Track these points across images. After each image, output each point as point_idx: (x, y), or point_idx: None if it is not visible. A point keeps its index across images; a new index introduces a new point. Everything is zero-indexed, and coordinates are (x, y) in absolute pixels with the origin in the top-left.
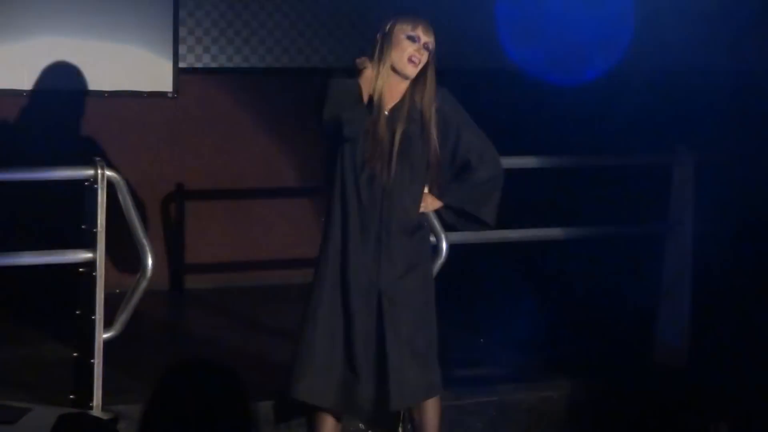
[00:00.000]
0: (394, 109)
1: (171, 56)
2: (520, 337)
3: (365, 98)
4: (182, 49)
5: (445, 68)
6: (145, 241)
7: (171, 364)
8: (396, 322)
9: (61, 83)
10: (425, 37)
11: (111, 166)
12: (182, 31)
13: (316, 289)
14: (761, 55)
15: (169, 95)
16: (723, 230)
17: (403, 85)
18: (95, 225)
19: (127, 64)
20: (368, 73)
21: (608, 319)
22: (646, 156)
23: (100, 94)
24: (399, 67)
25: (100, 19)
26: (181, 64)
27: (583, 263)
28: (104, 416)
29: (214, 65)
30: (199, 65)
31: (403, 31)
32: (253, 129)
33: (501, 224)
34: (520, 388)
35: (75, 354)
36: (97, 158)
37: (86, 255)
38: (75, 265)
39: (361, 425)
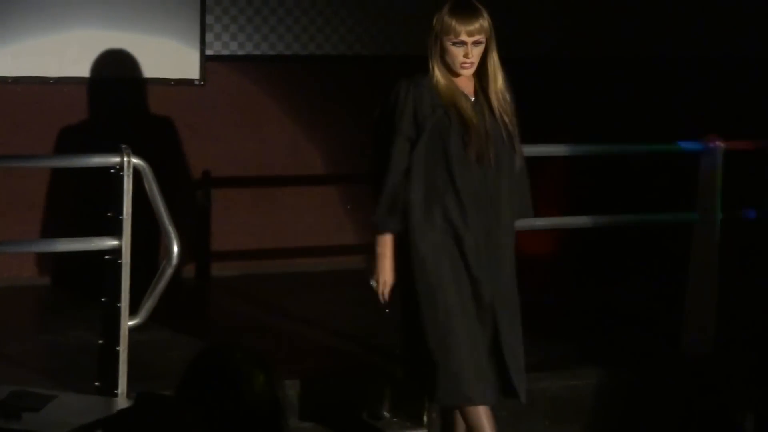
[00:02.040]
0: (475, 101)
1: (198, 44)
2: (545, 325)
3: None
4: (209, 37)
5: None
6: (171, 229)
7: (200, 349)
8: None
9: (88, 71)
10: (472, 37)
11: (137, 154)
12: (209, 19)
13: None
14: None
15: (196, 83)
16: (750, 219)
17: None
18: (121, 212)
19: (154, 51)
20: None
21: (635, 307)
22: (675, 145)
23: (127, 81)
24: (456, 71)
25: (128, 7)
26: (208, 52)
27: (611, 251)
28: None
29: (240, 53)
30: (225, 53)
31: (447, 38)
32: (280, 116)
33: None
34: (545, 376)
35: (100, 341)
36: (124, 146)
37: (112, 242)
38: (102, 252)
39: (385, 413)
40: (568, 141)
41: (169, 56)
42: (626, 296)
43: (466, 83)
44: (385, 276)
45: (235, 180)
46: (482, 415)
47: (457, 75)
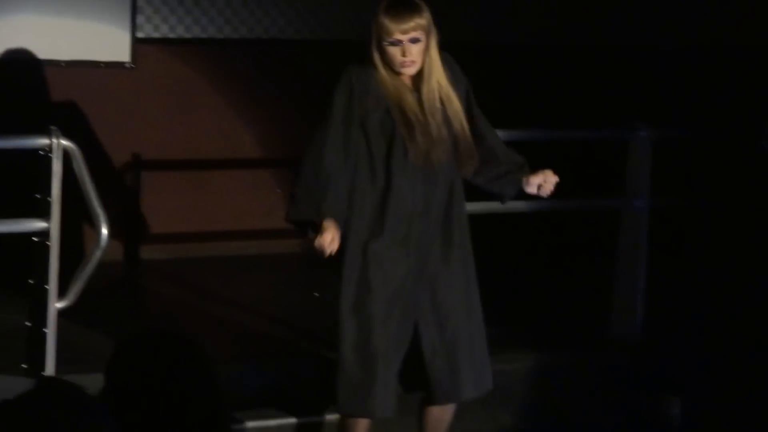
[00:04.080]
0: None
1: (129, 26)
2: None
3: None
4: (140, 19)
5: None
6: (100, 211)
7: (129, 334)
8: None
9: (18, 53)
10: (407, 35)
11: (67, 136)
12: (140, 1)
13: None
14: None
15: (127, 65)
16: (679, 205)
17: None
18: (50, 194)
19: (85, 33)
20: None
21: (565, 293)
22: (604, 130)
23: (57, 64)
24: (397, 71)
25: None
26: (139, 35)
27: (541, 237)
28: None
29: (172, 36)
30: (156, 35)
31: (382, 38)
32: (211, 100)
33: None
34: None
35: (28, 323)
36: (53, 127)
37: (40, 224)
38: (30, 234)
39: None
40: (502, 127)
41: (99, 39)
42: (556, 282)
43: (411, 79)
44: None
45: (165, 163)
46: (363, 427)
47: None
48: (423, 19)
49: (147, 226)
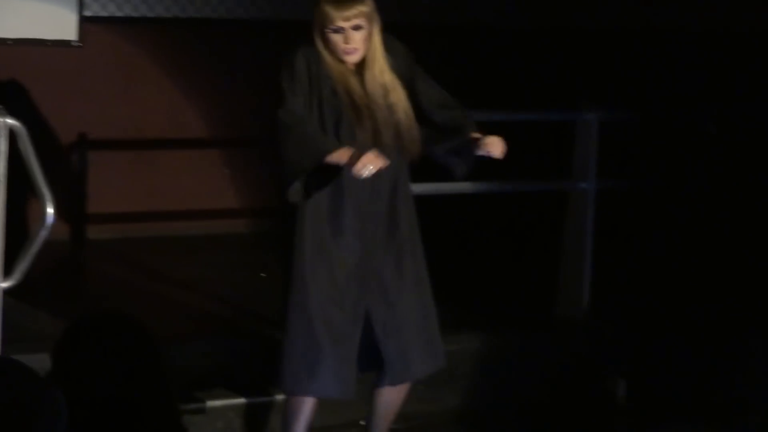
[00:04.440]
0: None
1: (75, 5)
2: None
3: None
4: None
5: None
6: (45, 190)
7: (77, 316)
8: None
9: None
10: (348, 22)
11: (12, 115)
12: None
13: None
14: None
15: (74, 44)
16: (625, 187)
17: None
18: None
19: (31, 11)
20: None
21: (510, 274)
22: (550, 112)
23: (3, 42)
24: (340, 59)
25: None
26: (86, 13)
27: (486, 219)
28: None
29: (119, 14)
30: (104, 14)
31: (325, 25)
32: (159, 79)
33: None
34: None
35: None
36: None
37: None
38: None
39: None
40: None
41: (46, 17)
42: (502, 263)
43: (354, 66)
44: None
45: (111, 142)
46: (310, 406)
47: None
48: (365, 6)
49: (93, 205)
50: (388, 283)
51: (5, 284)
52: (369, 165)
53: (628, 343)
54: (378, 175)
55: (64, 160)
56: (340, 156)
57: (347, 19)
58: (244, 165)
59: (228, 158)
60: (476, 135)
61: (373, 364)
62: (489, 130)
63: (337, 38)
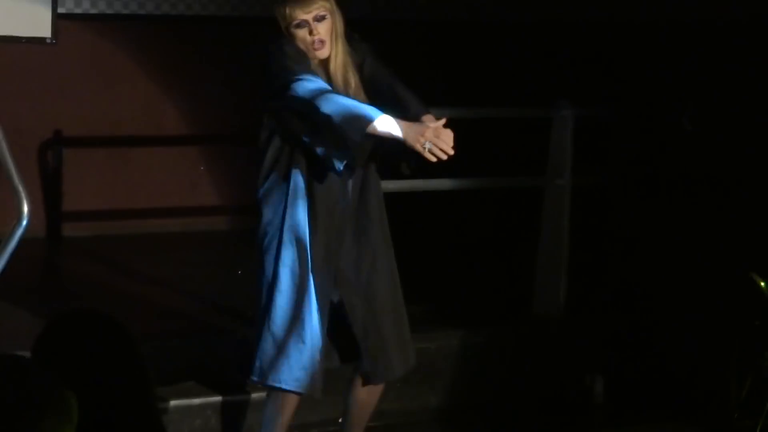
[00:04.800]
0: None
1: (50, 1)
2: None
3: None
4: None
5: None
6: (20, 188)
7: (53, 314)
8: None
9: None
10: (309, 13)
11: None
12: None
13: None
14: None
15: (48, 41)
16: (601, 184)
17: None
18: None
19: (5, 8)
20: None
21: (488, 271)
22: (526, 109)
23: None
24: (311, 55)
25: None
26: (60, 10)
27: (464, 215)
28: None
29: (93, 11)
30: (78, 11)
31: (289, 24)
32: (133, 76)
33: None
34: None
35: None
36: None
37: None
38: None
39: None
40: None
41: (20, 14)
42: (479, 260)
43: (321, 63)
44: (419, 130)
45: (86, 139)
46: (291, 403)
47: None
48: (321, 1)
49: (68, 203)
50: (364, 279)
51: None
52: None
53: (605, 339)
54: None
55: (39, 158)
56: (393, 128)
57: (308, 11)
58: (221, 162)
59: (202, 154)
60: (426, 117)
61: (350, 355)
62: (466, 126)
63: (302, 33)
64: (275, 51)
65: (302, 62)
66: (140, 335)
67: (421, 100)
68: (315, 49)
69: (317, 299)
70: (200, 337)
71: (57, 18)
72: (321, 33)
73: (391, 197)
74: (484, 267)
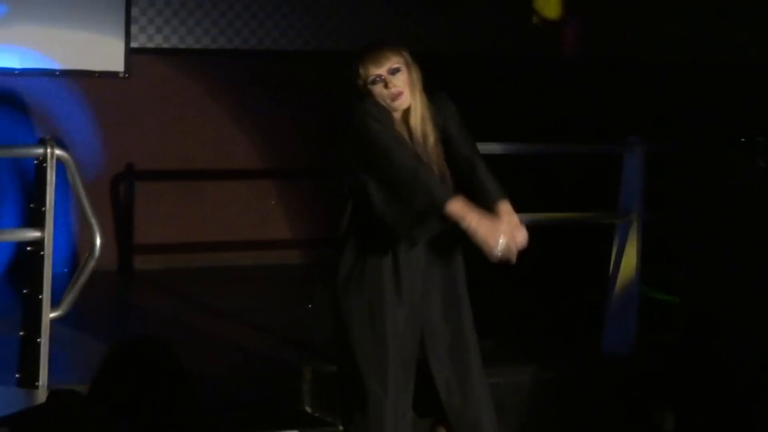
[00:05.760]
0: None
1: (123, 36)
2: None
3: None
4: (134, 29)
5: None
6: (93, 221)
7: (114, 344)
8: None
9: (13, 62)
10: (383, 67)
11: (61, 146)
12: (134, 11)
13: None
14: (715, 48)
15: (121, 75)
16: (672, 220)
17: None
18: (44, 204)
19: (79, 42)
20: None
21: (559, 307)
22: (597, 145)
23: (51, 73)
24: (391, 109)
25: None
26: (133, 44)
27: (535, 250)
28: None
29: (166, 46)
30: (151, 45)
31: (365, 82)
32: (204, 110)
33: None
34: None
35: (21, 333)
36: (47, 137)
37: (34, 234)
38: (23, 244)
39: (307, 407)
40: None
41: (93, 48)
42: (549, 295)
43: (402, 117)
44: (495, 228)
45: (158, 173)
46: None
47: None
48: (396, 52)
49: (140, 236)
50: (450, 340)
51: (53, 314)
52: (506, 245)
53: (675, 376)
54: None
55: (112, 191)
56: (466, 217)
57: (381, 64)
58: (292, 196)
59: (273, 188)
60: (503, 206)
61: (430, 411)
62: (537, 162)
63: (379, 89)
64: (358, 110)
65: (385, 121)
66: (208, 368)
67: (499, 184)
68: (393, 101)
69: (398, 352)
70: (270, 372)
71: (130, 52)
72: (398, 85)
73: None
74: (554, 302)
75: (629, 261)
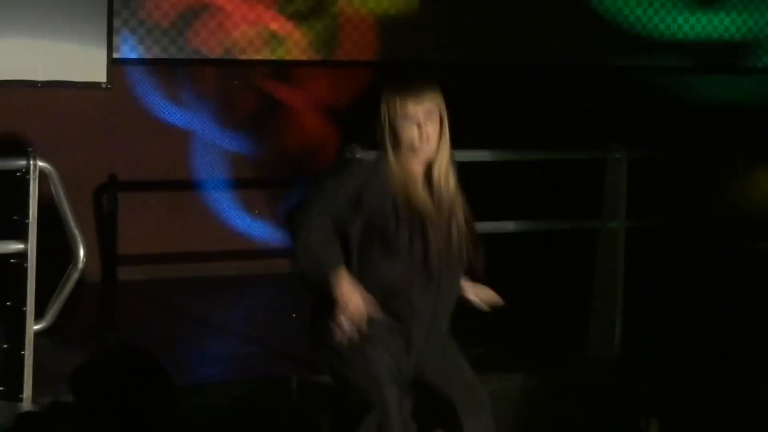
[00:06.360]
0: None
1: (105, 47)
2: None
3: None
4: (116, 40)
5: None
6: (76, 232)
7: (97, 354)
8: None
9: None
10: (424, 109)
11: (44, 157)
12: (116, 22)
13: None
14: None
15: (103, 86)
16: (655, 226)
17: (422, 160)
18: (27, 216)
19: (61, 53)
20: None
21: (541, 312)
22: (580, 151)
23: (33, 84)
24: (414, 152)
25: (33, 10)
26: (115, 55)
27: (518, 256)
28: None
29: (148, 56)
30: (133, 56)
31: (398, 118)
32: (187, 121)
33: None
34: None
35: (5, 345)
36: (30, 149)
37: (17, 246)
38: (6, 256)
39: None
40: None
41: (75, 59)
42: (533, 302)
43: (417, 169)
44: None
45: (142, 183)
46: None
47: (414, 156)
48: (438, 96)
49: (123, 246)
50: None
51: (37, 326)
52: (349, 321)
53: (660, 380)
54: (438, 285)
55: (95, 202)
56: (340, 290)
57: (421, 103)
58: (275, 206)
59: (256, 198)
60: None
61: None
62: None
63: (411, 129)
64: (344, 170)
65: (356, 181)
66: (192, 378)
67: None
68: (420, 146)
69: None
70: (255, 381)
71: (112, 63)
72: (429, 132)
73: None
74: (538, 309)
75: (613, 268)
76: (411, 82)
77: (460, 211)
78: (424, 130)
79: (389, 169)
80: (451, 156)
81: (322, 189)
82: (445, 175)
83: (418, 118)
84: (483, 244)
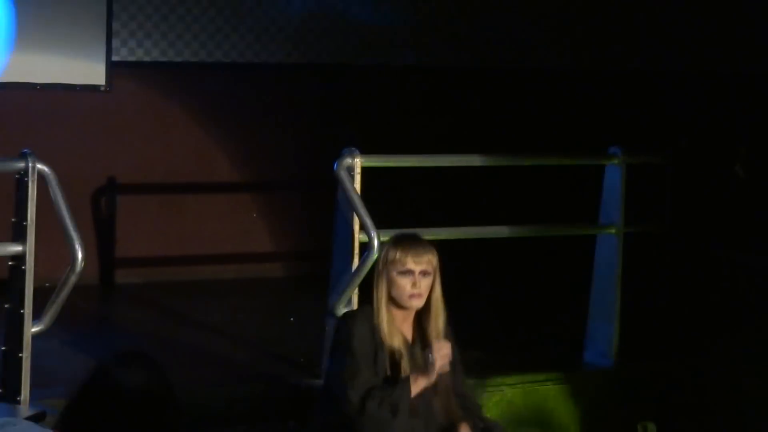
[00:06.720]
0: (412, 344)
1: (104, 49)
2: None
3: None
4: (115, 43)
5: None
6: (74, 235)
7: (97, 360)
8: None
9: None
10: (419, 266)
11: (42, 159)
12: (115, 25)
13: None
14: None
15: (102, 88)
16: (653, 231)
17: (412, 316)
18: (25, 218)
19: (60, 56)
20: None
21: (539, 317)
22: (579, 156)
23: (32, 86)
24: (403, 304)
25: (33, 11)
26: (114, 58)
27: (516, 261)
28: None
29: (147, 59)
30: (132, 59)
31: (394, 268)
32: (186, 123)
33: (435, 222)
34: None
35: (3, 348)
36: (28, 151)
37: (16, 248)
38: (5, 258)
39: (290, 421)
40: (476, 152)
41: (74, 62)
42: (531, 307)
43: (407, 322)
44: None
45: (140, 186)
46: None
47: (403, 309)
48: (434, 257)
49: (122, 249)
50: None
51: (35, 329)
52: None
53: (657, 384)
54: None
55: (93, 205)
56: (419, 384)
57: (418, 263)
58: (274, 209)
59: (255, 201)
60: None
61: None
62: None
63: (404, 282)
64: (356, 320)
65: (366, 351)
66: (191, 381)
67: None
68: (411, 299)
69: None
70: (253, 385)
71: (111, 66)
72: (421, 287)
73: (442, 245)
74: (536, 315)
75: (611, 273)
76: (413, 239)
77: (449, 379)
78: (416, 283)
79: (379, 320)
80: (447, 319)
81: (345, 366)
82: (436, 327)
83: (413, 271)
84: (480, 408)
